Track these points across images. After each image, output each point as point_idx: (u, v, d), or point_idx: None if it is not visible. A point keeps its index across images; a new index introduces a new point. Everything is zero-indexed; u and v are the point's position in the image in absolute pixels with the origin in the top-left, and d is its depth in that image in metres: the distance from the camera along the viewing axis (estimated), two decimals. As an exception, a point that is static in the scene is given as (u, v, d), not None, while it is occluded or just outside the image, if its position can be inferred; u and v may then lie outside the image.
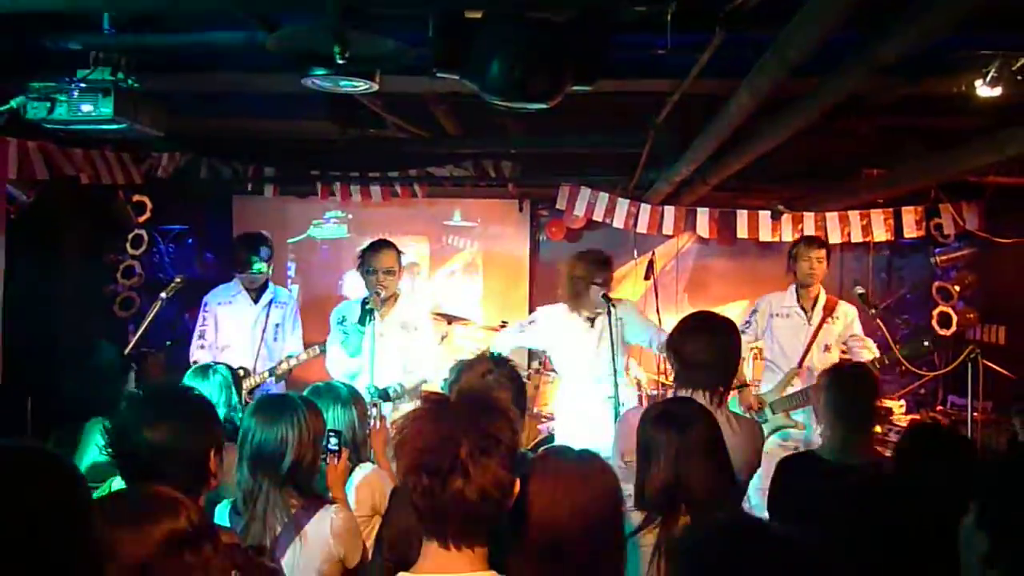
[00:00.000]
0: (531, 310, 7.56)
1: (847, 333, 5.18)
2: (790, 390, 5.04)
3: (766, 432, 4.98)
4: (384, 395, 4.46)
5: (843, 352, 5.22)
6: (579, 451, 2.07)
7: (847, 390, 3.09)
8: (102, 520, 1.62)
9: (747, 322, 5.35)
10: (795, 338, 5.18)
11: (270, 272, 5.42)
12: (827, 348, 5.14)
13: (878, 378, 3.91)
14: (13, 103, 3.50)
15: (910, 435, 2.89)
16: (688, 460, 2.35)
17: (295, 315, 5.54)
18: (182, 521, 1.67)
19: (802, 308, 5.21)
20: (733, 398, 5.25)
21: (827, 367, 3.52)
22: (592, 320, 4.69)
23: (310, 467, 2.58)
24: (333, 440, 2.82)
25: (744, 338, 5.29)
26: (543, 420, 6.34)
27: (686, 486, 2.34)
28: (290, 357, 5.23)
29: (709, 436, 2.42)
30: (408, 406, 4.38)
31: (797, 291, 5.25)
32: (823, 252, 5.19)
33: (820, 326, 5.15)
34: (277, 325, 5.40)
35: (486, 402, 1.78)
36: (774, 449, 4.64)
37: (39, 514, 1.29)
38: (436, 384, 4.49)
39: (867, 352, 5.09)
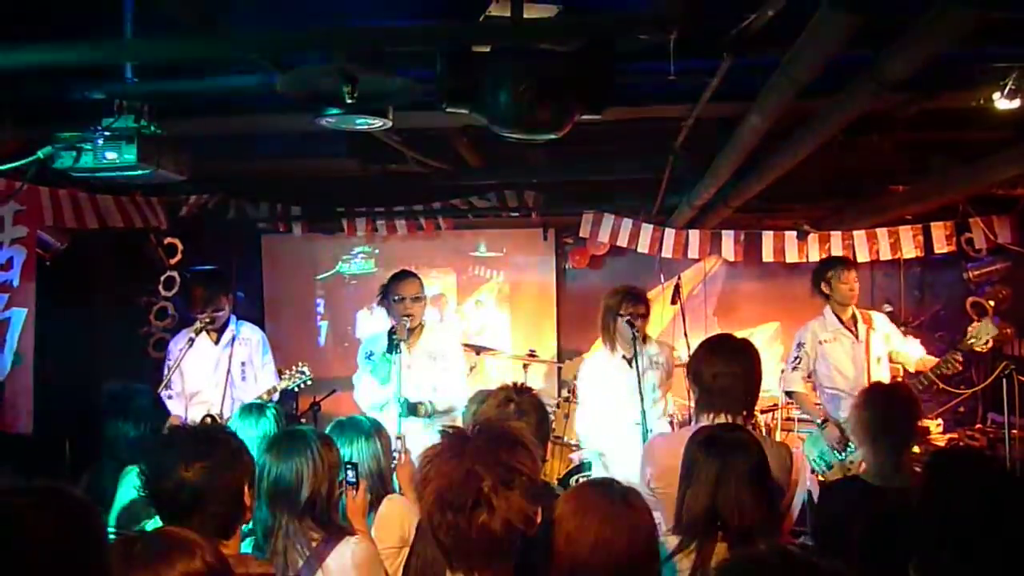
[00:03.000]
0: (559, 338, 7.58)
1: (892, 338, 5.15)
2: None
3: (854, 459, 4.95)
4: (413, 409, 4.44)
5: (892, 359, 5.18)
6: (614, 486, 2.05)
7: (884, 409, 3.02)
8: (120, 561, 1.65)
9: (796, 358, 5.30)
10: (852, 359, 5.12)
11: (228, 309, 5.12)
12: (878, 360, 5.11)
13: (916, 396, 3.85)
14: (41, 153, 3.59)
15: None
16: (728, 486, 2.34)
17: (262, 350, 5.22)
18: (197, 562, 1.69)
19: (846, 328, 5.18)
20: (818, 437, 5.15)
21: (863, 388, 3.46)
22: (629, 361, 4.51)
23: (327, 499, 2.59)
24: (351, 473, 2.83)
25: (797, 374, 5.30)
26: (574, 449, 6.29)
27: (724, 512, 2.32)
28: (273, 389, 4.98)
29: (753, 464, 2.40)
30: (434, 430, 4.36)
31: (835, 312, 5.21)
32: (856, 272, 5.21)
33: (868, 340, 5.11)
34: (243, 363, 5.10)
35: (505, 434, 1.79)
36: None
37: (55, 552, 1.31)
38: (459, 412, 4.48)
39: (917, 350, 5.08)
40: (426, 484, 1.70)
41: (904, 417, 3.05)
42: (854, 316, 5.18)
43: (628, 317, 4.45)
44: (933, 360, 5.02)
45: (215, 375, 5.03)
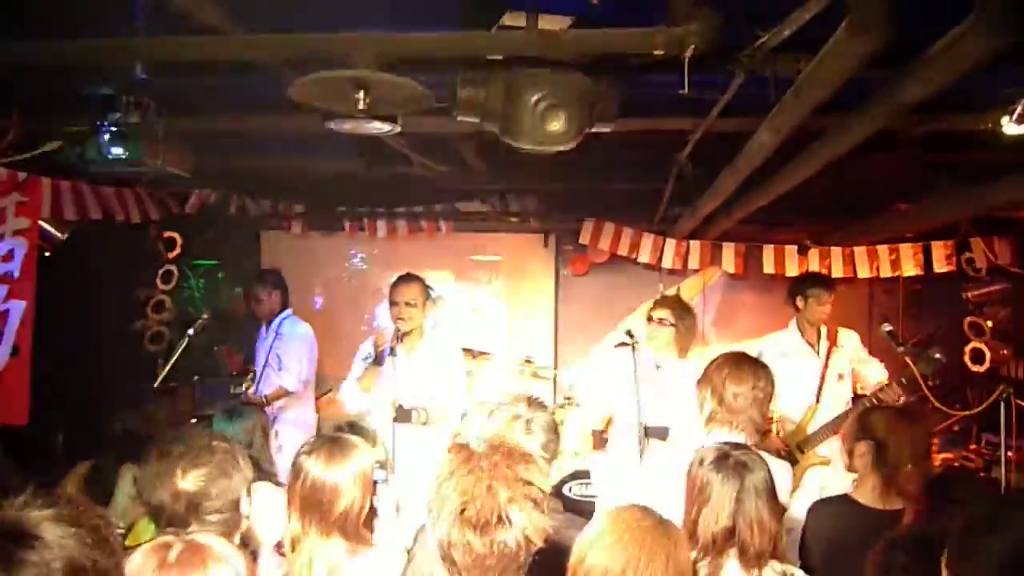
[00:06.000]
0: (556, 345, 7.55)
1: (855, 358, 5.16)
2: (811, 428, 4.97)
3: (795, 473, 4.95)
4: (407, 416, 4.44)
5: (854, 377, 5.20)
6: (655, 516, 2.04)
7: (894, 433, 3.01)
8: (155, 566, 1.65)
9: None
10: (808, 375, 5.12)
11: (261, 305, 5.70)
12: (840, 377, 5.12)
13: (928, 417, 3.83)
14: (48, 146, 3.58)
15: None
16: (747, 504, 2.33)
17: (291, 349, 5.58)
18: (230, 571, 1.69)
19: (807, 343, 5.19)
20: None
21: (864, 409, 3.44)
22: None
23: (359, 513, 2.54)
24: (380, 471, 2.77)
25: None
26: (572, 456, 6.27)
27: (743, 530, 2.32)
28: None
29: (766, 481, 2.40)
30: (427, 438, 4.37)
31: (800, 327, 5.22)
32: (833, 294, 5.20)
33: (828, 356, 5.11)
34: (279, 355, 5.55)
35: (515, 448, 1.78)
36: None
37: (74, 565, 1.30)
38: (456, 421, 4.45)
39: (877, 373, 5.07)
40: (443, 503, 1.67)
41: (910, 441, 3.01)
42: (819, 332, 5.18)
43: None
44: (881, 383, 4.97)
45: (261, 359, 5.59)
